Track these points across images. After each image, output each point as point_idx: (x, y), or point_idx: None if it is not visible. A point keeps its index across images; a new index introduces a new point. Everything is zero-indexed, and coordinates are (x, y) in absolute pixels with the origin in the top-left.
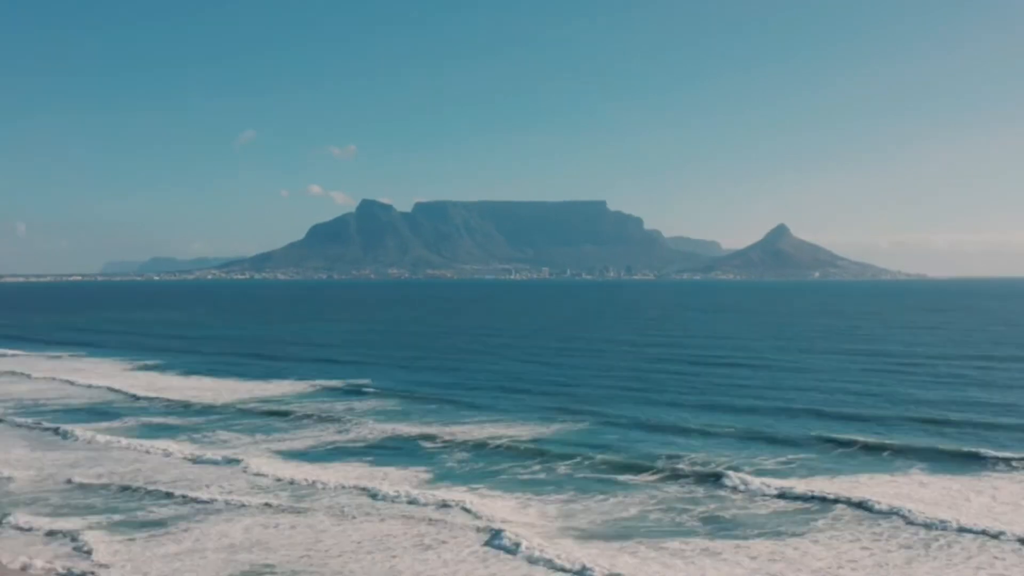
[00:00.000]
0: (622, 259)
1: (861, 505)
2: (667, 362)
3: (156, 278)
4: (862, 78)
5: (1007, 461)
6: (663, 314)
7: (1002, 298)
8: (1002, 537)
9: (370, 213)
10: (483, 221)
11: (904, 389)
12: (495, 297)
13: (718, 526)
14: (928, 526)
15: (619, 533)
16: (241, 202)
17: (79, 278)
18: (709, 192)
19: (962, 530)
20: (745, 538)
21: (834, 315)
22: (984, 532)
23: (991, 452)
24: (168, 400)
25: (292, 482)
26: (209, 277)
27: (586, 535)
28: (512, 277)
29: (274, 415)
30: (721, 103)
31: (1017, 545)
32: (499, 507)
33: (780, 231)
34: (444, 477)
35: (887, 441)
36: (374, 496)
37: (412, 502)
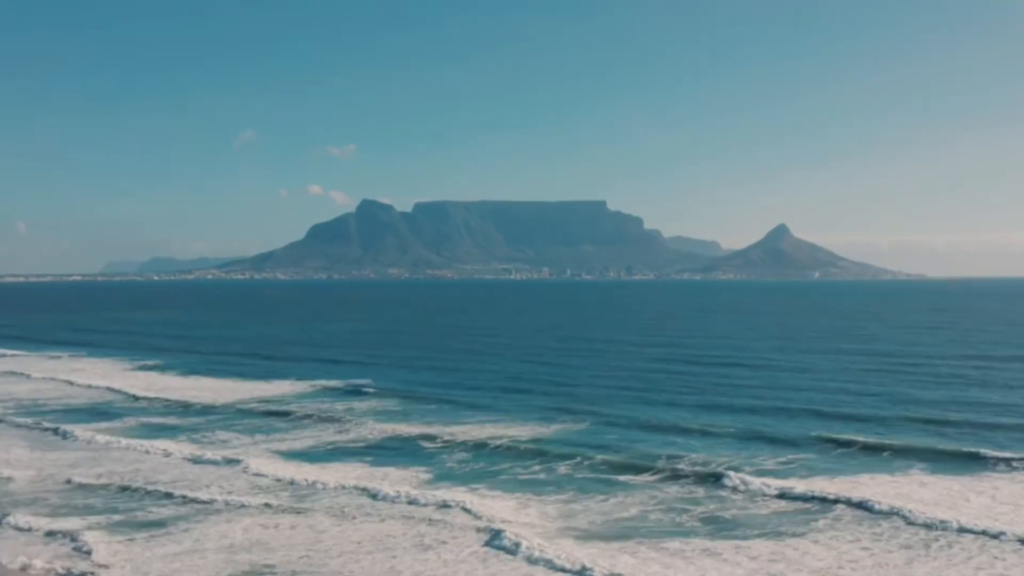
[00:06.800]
0: (622, 259)
1: (861, 505)
2: (666, 362)
3: (156, 278)
4: (863, 77)
5: (1007, 461)
6: (662, 314)
7: (1001, 298)
8: (1002, 537)
9: (370, 213)
10: (483, 221)
11: (903, 389)
12: (494, 298)
13: (718, 526)
14: (928, 526)
15: (619, 533)
16: (241, 202)
17: (79, 278)
18: (709, 192)
19: (962, 530)
20: (745, 538)
21: (834, 315)
22: (984, 532)
23: (991, 452)
24: (168, 400)
25: (292, 482)
26: (209, 277)
27: (586, 535)
28: (512, 277)
29: (274, 415)
30: (721, 102)
31: (1017, 545)
32: (499, 507)
33: (780, 231)
34: (444, 477)
35: (887, 441)
36: (374, 496)
37: (412, 502)
